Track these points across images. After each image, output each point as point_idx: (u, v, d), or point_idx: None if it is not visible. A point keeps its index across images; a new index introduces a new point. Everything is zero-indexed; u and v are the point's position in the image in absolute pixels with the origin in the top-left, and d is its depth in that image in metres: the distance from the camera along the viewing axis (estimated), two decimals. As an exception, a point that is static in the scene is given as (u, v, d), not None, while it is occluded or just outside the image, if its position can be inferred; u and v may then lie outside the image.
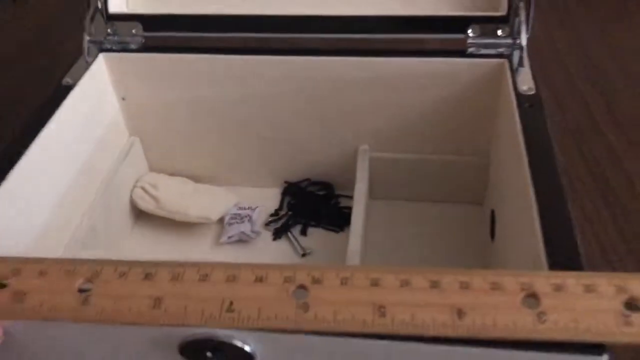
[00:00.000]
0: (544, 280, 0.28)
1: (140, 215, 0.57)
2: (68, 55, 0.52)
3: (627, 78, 0.74)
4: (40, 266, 0.30)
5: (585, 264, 0.31)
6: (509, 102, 0.44)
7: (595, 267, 0.53)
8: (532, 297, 0.27)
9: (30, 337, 0.31)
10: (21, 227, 0.41)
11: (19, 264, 0.31)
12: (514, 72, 0.45)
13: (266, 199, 0.58)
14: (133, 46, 0.52)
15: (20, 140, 0.42)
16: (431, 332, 0.27)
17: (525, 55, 0.46)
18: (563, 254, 0.32)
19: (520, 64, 0.46)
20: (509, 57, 0.47)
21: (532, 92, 0.43)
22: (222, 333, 0.29)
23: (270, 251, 0.53)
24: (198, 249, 0.54)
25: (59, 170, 0.45)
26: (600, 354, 0.26)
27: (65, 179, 0.46)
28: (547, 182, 0.36)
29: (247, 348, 0.29)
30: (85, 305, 0.29)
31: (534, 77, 0.44)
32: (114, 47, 0.52)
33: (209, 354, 0.30)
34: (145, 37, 0.52)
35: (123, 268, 0.30)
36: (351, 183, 0.55)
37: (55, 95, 0.46)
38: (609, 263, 0.54)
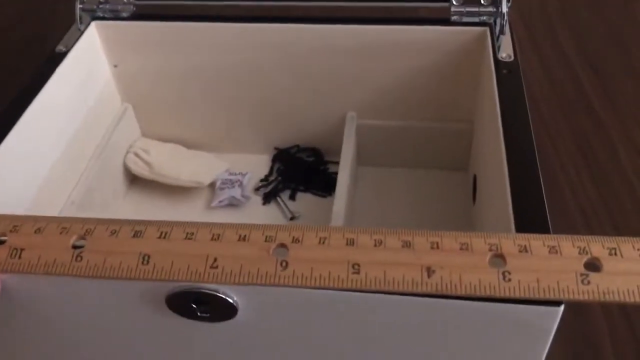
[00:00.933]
0: (511, 241, 0.29)
1: (133, 180, 0.58)
2: (61, 23, 0.53)
3: (617, 47, 0.75)
4: (37, 224, 0.32)
5: (551, 227, 0.33)
6: (489, 69, 0.45)
7: (572, 224, 0.55)
8: (499, 258, 0.29)
9: (26, 290, 0.33)
10: (18, 191, 0.43)
11: (16, 221, 0.32)
12: (494, 39, 0.46)
13: (256, 165, 0.60)
14: (125, 14, 0.53)
15: (15, 106, 0.43)
16: (401, 289, 0.28)
17: (506, 23, 0.47)
18: (530, 217, 0.33)
19: (502, 31, 0.47)
20: (490, 25, 0.48)
21: (511, 59, 0.44)
22: (207, 287, 0.30)
23: (260, 215, 0.55)
24: (190, 213, 0.55)
25: (54, 136, 0.47)
26: (558, 305, 0.28)
27: (60, 144, 0.48)
28: (519, 147, 0.37)
29: (230, 300, 0.31)
30: (78, 261, 0.31)
31: (514, 45, 0.45)
32: (105, 15, 0.53)
33: (193, 305, 0.32)
34: (136, 5, 0.53)
35: (114, 226, 0.32)
36: (339, 149, 0.56)
37: (48, 62, 0.48)
38: (590, 229, 0.56)
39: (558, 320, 0.29)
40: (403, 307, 0.30)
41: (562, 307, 0.28)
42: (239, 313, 0.31)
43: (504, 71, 0.43)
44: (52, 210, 0.47)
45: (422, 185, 0.57)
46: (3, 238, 0.32)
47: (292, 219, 0.54)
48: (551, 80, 0.71)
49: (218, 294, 0.31)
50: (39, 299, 0.34)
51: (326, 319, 0.32)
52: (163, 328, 0.34)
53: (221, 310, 0.32)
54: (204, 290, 0.31)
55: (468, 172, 0.57)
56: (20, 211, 0.42)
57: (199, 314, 0.32)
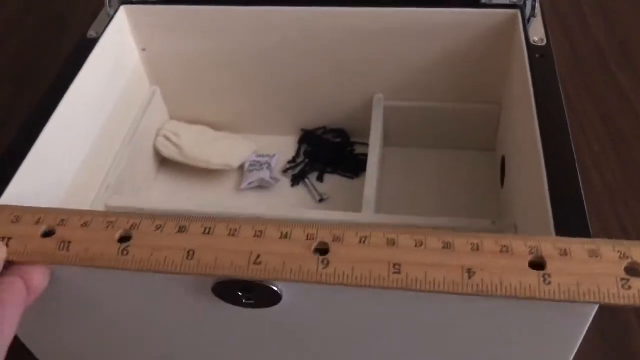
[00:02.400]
0: (551, 245, 0.29)
1: (163, 161, 0.59)
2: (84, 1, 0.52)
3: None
4: (84, 218, 0.33)
5: (588, 212, 0.33)
6: (520, 53, 0.45)
7: (600, 211, 0.55)
8: (539, 260, 0.29)
9: (74, 282, 0.34)
10: (57, 175, 0.43)
11: (64, 215, 0.33)
12: (526, 22, 0.46)
13: (283, 147, 0.60)
14: (153, -2, 0.53)
15: (52, 95, 0.44)
16: (442, 290, 0.29)
17: (537, 5, 0.47)
18: (567, 205, 0.34)
19: (533, 14, 0.46)
20: (521, 7, 0.48)
21: (544, 44, 0.44)
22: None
23: (289, 197, 0.56)
24: (220, 195, 0.56)
25: (89, 121, 0.48)
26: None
27: (95, 129, 0.48)
28: (555, 136, 0.37)
29: (275, 288, 0.32)
30: (125, 256, 0.31)
31: (546, 29, 0.45)
32: (134, 0, 0.53)
33: (239, 293, 0.33)
34: (165, -12, 0.53)
35: (159, 222, 0.32)
36: (365, 130, 0.57)
37: (80, 48, 0.48)
38: (614, 207, 0.56)
39: (590, 319, 0.30)
40: (443, 306, 0.30)
41: (596, 307, 0.29)
42: (283, 299, 0.32)
43: (537, 55, 0.43)
44: (89, 194, 0.48)
45: (449, 166, 0.57)
46: (52, 230, 0.33)
47: (320, 200, 0.55)
48: (577, 57, 0.70)
49: (263, 283, 0.32)
50: (87, 290, 0.35)
51: (366, 314, 0.33)
52: (209, 314, 0.35)
53: (266, 298, 0.32)
54: (250, 280, 0.32)
55: (495, 152, 0.57)
56: (60, 196, 0.44)
57: (244, 300, 0.33)
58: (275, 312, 0.33)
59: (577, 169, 0.36)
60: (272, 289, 0.32)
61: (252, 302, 0.33)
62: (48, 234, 0.32)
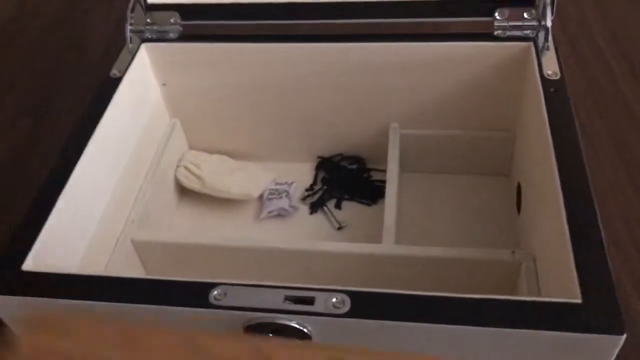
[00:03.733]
0: None
1: (183, 191, 0.60)
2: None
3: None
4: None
5: (606, 238, 0.35)
6: (534, 85, 0.46)
7: (615, 232, 0.56)
8: None
9: None
10: (87, 214, 0.45)
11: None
12: (539, 55, 0.47)
13: (300, 174, 0.61)
14: (172, 35, 0.54)
15: (80, 136, 0.45)
16: None
17: (550, 37, 0.48)
18: (585, 233, 0.35)
19: (546, 47, 0.48)
20: (534, 40, 0.49)
21: (557, 77, 0.45)
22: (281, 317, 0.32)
23: (308, 225, 0.57)
24: (240, 224, 0.57)
25: (115, 158, 0.49)
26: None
27: (120, 165, 0.50)
28: (571, 167, 0.39)
29: (304, 329, 0.33)
30: None
31: (559, 61, 0.46)
32: (153, 37, 0.54)
33: (271, 335, 0.34)
34: (183, 26, 0.54)
35: None
36: (381, 156, 0.58)
37: (106, 87, 0.49)
38: (628, 227, 0.57)
39: (618, 348, 0.31)
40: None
41: (624, 336, 0.30)
42: (313, 340, 0.34)
43: (551, 89, 0.44)
44: (115, 229, 0.49)
45: (465, 191, 0.58)
46: None
47: (339, 228, 0.56)
48: (587, 79, 0.71)
49: (291, 324, 0.33)
50: None
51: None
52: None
53: (296, 338, 0.34)
54: (279, 322, 0.33)
55: (509, 177, 0.58)
56: (89, 234, 0.45)
57: (274, 341, 0.34)
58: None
59: (595, 202, 0.37)
60: (302, 330, 0.33)
61: (283, 342, 0.34)
62: None
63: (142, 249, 0.50)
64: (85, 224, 0.45)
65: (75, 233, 0.43)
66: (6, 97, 0.77)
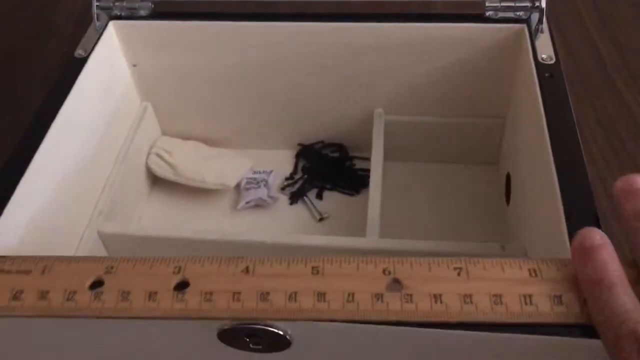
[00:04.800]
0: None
1: (155, 180, 0.57)
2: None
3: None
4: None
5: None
6: (528, 70, 0.44)
7: (604, 223, 0.54)
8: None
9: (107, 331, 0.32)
10: (49, 204, 0.41)
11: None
12: (533, 38, 0.45)
13: (279, 162, 0.58)
14: (143, 12, 0.51)
15: (42, 119, 0.42)
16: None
17: (544, 19, 0.45)
18: (582, 221, 0.33)
19: (540, 29, 0.45)
20: (527, 22, 0.46)
21: (552, 61, 0.43)
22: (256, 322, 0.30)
23: (287, 216, 0.54)
24: (216, 215, 0.54)
25: (81, 144, 0.46)
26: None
27: (87, 152, 0.46)
28: (568, 160, 0.36)
29: (281, 332, 0.30)
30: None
31: (554, 45, 0.44)
32: (122, 14, 0.51)
33: (246, 339, 0.31)
34: (155, 2, 0.51)
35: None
36: (364, 144, 0.56)
37: (70, 69, 0.46)
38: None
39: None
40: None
41: None
42: (293, 344, 0.31)
43: (546, 75, 0.41)
44: (81, 221, 0.46)
45: (451, 180, 0.56)
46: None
47: (320, 219, 0.53)
48: (575, 62, 0.69)
49: (269, 328, 0.30)
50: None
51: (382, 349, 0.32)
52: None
53: (274, 343, 0.31)
54: (253, 326, 0.30)
55: (497, 166, 0.56)
56: (52, 225, 0.41)
57: (251, 345, 0.31)
58: (288, 355, 0.32)
59: (594, 196, 0.35)
60: (279, 333, 0.30)
61: (259, 347, 0.31)
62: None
63: (109, 241, 0.47)
64: (48, 217, 0.41)
65: (35, 227, 0.40)
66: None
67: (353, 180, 0.56)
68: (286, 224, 0.53)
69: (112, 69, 0.51)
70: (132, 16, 0.51)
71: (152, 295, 0.29)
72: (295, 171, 0.58)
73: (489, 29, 0.47)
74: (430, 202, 0.54)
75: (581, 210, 0.34)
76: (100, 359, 0.36)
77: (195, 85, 0.55)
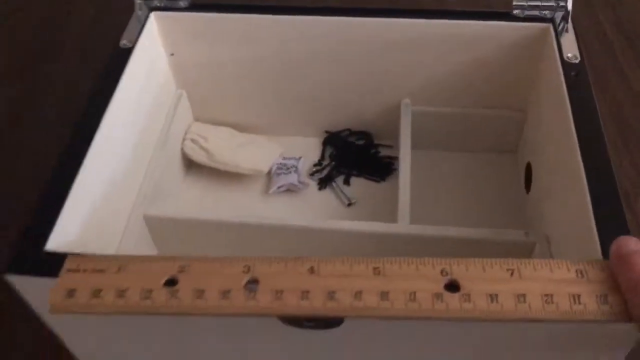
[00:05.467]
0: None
1: (190, 165, 0.60)
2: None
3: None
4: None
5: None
6: (553, 68, 0.46)
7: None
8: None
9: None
10: (100, 187, 0.44)
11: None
12: (558, 37, 0.47)
13: (307, 149, 0.61)
14: (182, 4, 0.53)
15: (93, 110, 0.44)
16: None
17: (570, 20, 0.48)
18: (609, 219, 0.36)
19: (565, 29, 0.47)
20: (552, 21, 0.49)
21: (577, 61, 0.45)
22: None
23: (317, 201, 0.57)
24: (248, 199, 0.57)
25: (126, 131, 0.48)
26: None
27: (131, 139, 0.49)
28: (594, 153, 0.39)
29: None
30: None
31: (579, 44, 0.46)
32: (162, 5, 0.53)
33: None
34: (194, -6, 0.53)
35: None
36: (389, 132, 0.58)
37: (116, 59, 0.48)
38: (625, 195, 0.58)
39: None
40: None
41: None
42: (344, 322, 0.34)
43: (572, 73, 0.44)
44: (127, 205, 0.48)
45: (473, 168, 0.59)
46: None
47: (349, 205, 0.56)
48: (588, 55, 0.72)
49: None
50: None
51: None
52: (273, 335, 0.36)
53: (329, 322, 0.34)
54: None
55: (516, 154, 0.59)
56: (102, 212, 0.44)
57: (305, 323, 0.34)
58: (337, 332, 0.34)
59: (618, 186, 0.37)
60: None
61: (312, 324, 0.34)
62: (170, 282, 0.32)
63: (153, 224, 0.49)
64: (100, 201, 0.44)
65: (91, 211, 0.42)
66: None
67: (378, 167, 0.59)
68: (316, 208, 0.56)
69: (152, 58, 0.53)
70: (171, 7, 0.53)
71: (225, 293, 0.31)
72: (322, 158, 0.60)
73: (515, 27, 0.49)
74: (453, 188, 0.57)
75: (606, 200, 0.37)
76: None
77: (229, 74, 0.57)
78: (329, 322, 0.34)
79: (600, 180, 0.38)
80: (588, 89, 0.43)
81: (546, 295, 0.30)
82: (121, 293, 0.31)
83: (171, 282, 0.32)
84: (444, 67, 0.53)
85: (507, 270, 0.31)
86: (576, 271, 0.31)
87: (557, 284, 0.31)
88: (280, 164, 0.58)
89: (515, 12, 0.49)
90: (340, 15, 0.51)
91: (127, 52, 0.49)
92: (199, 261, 0.33)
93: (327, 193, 0.58)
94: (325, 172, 0.59)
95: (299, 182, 0.57)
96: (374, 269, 0.32)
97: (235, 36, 0.54)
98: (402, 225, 0.47)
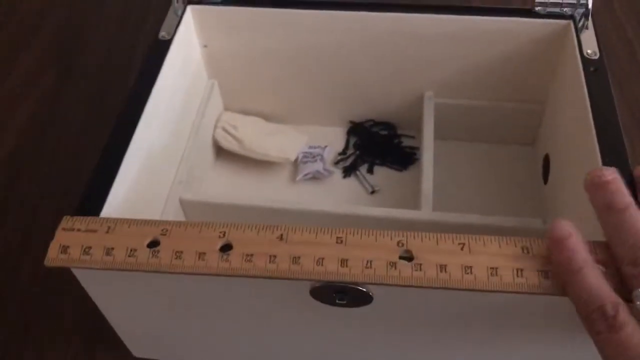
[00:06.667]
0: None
1: (219, 152, 0.62)
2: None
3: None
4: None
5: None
6: (573, 63, 0.48)
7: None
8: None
9: (161, 285, 0.38)
10: (140, 173, 0.46)
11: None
12: (578, 33, 0.49)
13: (332, 138, 0.63)
14: (217, -2, 0.55)
15: (136, 100, 0.46)
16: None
17: (590, 17, 0.50)
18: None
19: (585, 25, 0.49)
20: (572, 18, 0.51)
21: (596, 57, 0.47)
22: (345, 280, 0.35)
23: (341, 188, 0.59)
24: (276, 186, 0.60)
25: (164, 120, 0.50)
26: None
27: (169, 127, 0.51)
28: (611, 146, 0.41)
29: (367, 290, 0.36)
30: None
31: (599, 41, 0.48)
32: (198, -2, 0.55)
33: (334, 295, 0.36)
34: (228, -11, 0.55)
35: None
36: (411, 123, 0.61)
37: (155, 50, 0.51)
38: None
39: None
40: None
41: None
42: (374, 300, 0.36)
43: (591, 69, 0.46)
44: (164, 189, 0.51)
45: (493, 159, 0.61)
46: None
47: (372, 192, 0.59)
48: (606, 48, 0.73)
49: (356, 287, 0.36)
50: (189, 291, 0.39)
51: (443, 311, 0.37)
52: (304, 314, 0.39)
53: (358, 299, 0.36)
54: (344, 284, 0.35)
55: (534, 146, 0.61)
56: (144, 196, 0.47)
57: (337, 301, 0.37)
58: (368, 310, 0.37)
59: (635, 180, 0.39)
60: (363, 291, 0.36)
61: (344, 302, 0.37)
62: (153, 243, 0.36)
63: (188, 208, 0.52)
64: (142, 185, 0.47)
65: (134, 194, 0.45)
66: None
67: (401, 157, 0.61)
68: (340, 195, 0.59)
69: (187, 49, 0.56)
70: (207, 1, 0.55)
71: (201, 255, 0.35)
72: (347, 147, 0.63)
73: (536, 24, 0.51)
74: (473, 178, 0.59)
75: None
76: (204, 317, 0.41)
77: (259, 66, 0.59)
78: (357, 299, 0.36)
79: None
80: (606, 84, 0.45)
81: (492, 268, 0.33)
82: (109, 251, 0.35)
83: (154, 244, 0.35)
84: (467, 61, 0.55)
85: (459, 244, 0.34)
86: (522, 248, 0.34)
87: (504, 258, 0.33)
88: (307, 152, 0.61)
89: (537, 9, 0.51)
90: (367, 10, 0.53)
91: (166, 44, 0.51)
92: (179, 226, 0.36)
93: (351, 181, 0.60)
94: (349, 160, 0.61)
95: (325, 169, 0.59)
96: (337, 238, 0.35)
97: (265, 30, 0.56)
98: (425, 212, 0.50)
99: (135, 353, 0.50)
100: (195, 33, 0.57)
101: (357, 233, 0.35)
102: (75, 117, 0.69)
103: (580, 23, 0.50)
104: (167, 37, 0.52)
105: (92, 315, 0.45)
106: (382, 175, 0.60)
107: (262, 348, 0.45)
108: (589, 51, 0.48)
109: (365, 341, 0.42)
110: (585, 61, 0.47)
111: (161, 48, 0.51)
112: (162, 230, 0.36)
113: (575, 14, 0.51)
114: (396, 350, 0.42)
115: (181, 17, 0.54)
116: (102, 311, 0.44)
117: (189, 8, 0.55)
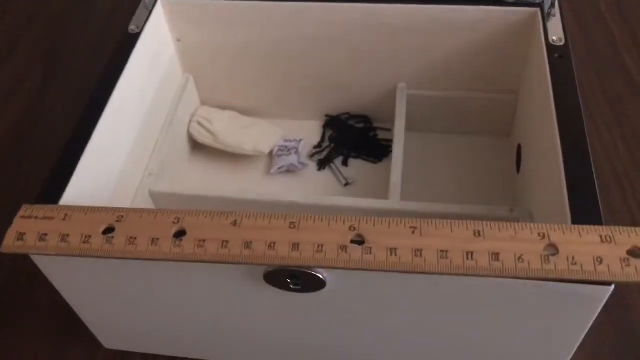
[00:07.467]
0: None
1: (195, 146, 0.62)
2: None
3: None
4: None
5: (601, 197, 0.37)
6: (539, 50, 0.48)
7: (609, 192, 0.59)
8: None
9: (118, 273, 0.39)
10: (109, 167, 0.47)
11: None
12: (545, 21, 0.49)
13: (308, 132, 0.63)
14: (188, -9, 0.55)
15: (100, 92, 0.47)
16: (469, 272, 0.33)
17: (557, 5, 0.49)
18: (582, 195, 0.38)
19: (552, 13, 0.49)
20: (540, 6, 0.50)
21: (562, 43, 0.47)
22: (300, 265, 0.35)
23: (316, 181, 0.59)
24: (250, 179, 0.60)
25: (134, 112, 0.51)
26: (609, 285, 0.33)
27: (138, 119, 0.52)
28: (572, 132, 0.41)
29: (320, 276, 0.36)
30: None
31: (564, 28, 0.48)
32: (170, -8, 0.55)
33: (288, 280, 0.36)
34: (199, -18, 0.55)
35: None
36: (387, 116, 0.61)
37: (124, 43, 0.51)
38: (621, 188, 0.60)
39: (605, 299, 0.34)
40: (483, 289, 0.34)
41: (611, 287, 0.33)
42: (327, 286, 0.36)
43: (556, 55, 0.46)
44: (135, 181, 0.51)
45: (467, 151, 0.60)
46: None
47: (346, 185, 0.58)
48: (586, 37, 0.73)
49: (310, 272, 0.36)
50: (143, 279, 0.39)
51: (402, 295, 0.37)
52: (260, 299, 0.39)
53: (312, 284, 0.36)
54: (297, 269, 0.35)
55: (510, 137, 0.61)
56: (110, 185, 0.47)
57: (291, 286, 0.37)
58: (320, 296, 0.37)
59: (592, 163, 0.39)
60: (317, 276, 0.36)
61: (299, 287, 0.37)
62: (108, 230, 0.36)
63: (159, 200, 0.52)
64: (108, 177, 0.47)
65: (99, 186, 0.45)
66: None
67: (376, 149, 0.61)
68: (315, 187, 0.59)
69: (159, 43, 0.56)
70: (177, -5, 0.55)
71: (154, 241, 0.35)
72: (322, 140, 0.63)
73: (505, 12, 0.51)
74: (447, 169, 0.59)
75: (581, 179, 0.38)
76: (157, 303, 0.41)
77: (234, 60, 0.59)
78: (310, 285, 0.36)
79: (576, 159, 0.39)
80: (570, 70, 0.45)
81: (442, 251, 0.33)
82: (64, 237, 0.36)
83: (109, 230, 0.36)
84: (439, 52, 0.55)
85: (410, 227, 0.34)
86: (474, 231, 0.34)
87: (455, 241, 0.33)
88: (282, 145, 0.61)
89: (505, -3, 0.51)
90: (338, 1, 0.54)
91: (134, 37, 0.52)
92: (135, 213, 0.36)
93: (326, 174, 0.60)
94: (324, 153, 0.61)
95: (299, 163, 0.59)
96: (291, 223, 0.35)
97: (238, 23, 0.56)
98: (393, 202, 0.50)
99: (106, 344, 0.50)
100: (167, 26, 0.57)
101: (311, 218, 0.35)
102: (60, 117, 0.69)
103: (547, 10, 0.50)
104: (137, 31, 0.52)
105: (66, 307, 0.45)
106: (358, 167, 0.60)
107: (225, 336, 0.45)
108: (554, 38, 0.47)
109: (324, 329, 0.42)
110: (551, 48, 0.47)
111: (130, 41, 0.51)
112: (118, 217, 0.36)
113: (544, 2, 0.51)
114: (356, 336, 0.42)
115: (151, 10, 0.54)
116: (67, 302, 0.44)
117: (160, 1, 0.55)
